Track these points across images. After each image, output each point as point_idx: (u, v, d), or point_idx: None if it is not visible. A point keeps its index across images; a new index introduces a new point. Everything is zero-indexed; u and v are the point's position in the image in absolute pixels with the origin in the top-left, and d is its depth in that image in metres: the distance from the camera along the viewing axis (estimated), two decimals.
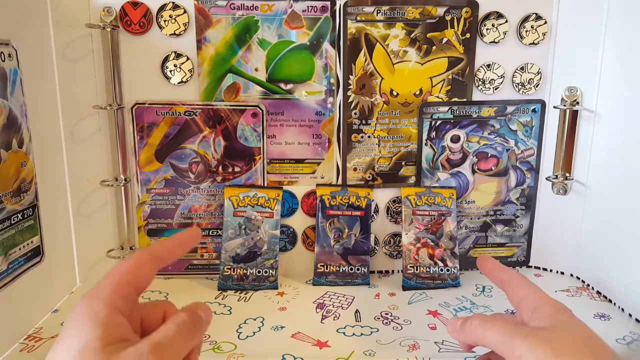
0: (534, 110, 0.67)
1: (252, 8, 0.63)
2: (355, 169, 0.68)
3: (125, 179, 0.64)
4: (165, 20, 0.62)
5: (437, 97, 0.66)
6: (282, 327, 0.55)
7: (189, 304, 0.35)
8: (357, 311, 0.59)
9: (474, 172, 0.69)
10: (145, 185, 0.66)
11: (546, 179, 0.68)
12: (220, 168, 0.66)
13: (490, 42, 0.65)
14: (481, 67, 0.65)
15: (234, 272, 0.65)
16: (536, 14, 0.64)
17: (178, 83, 0.63)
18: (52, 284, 0.60)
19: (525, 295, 0.39)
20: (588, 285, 0.66)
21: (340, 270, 0.66)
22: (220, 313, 0.59)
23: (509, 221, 0.70)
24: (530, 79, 0.66)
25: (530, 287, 0.40)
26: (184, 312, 0.34)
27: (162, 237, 0.67)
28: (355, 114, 0.66)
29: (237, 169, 0.67)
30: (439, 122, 0.67)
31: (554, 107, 0.66)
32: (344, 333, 0.54)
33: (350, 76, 0.65)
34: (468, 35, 0.65)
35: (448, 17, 0.64)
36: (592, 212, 0.65)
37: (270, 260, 0.65)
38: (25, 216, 0.54)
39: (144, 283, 0.35)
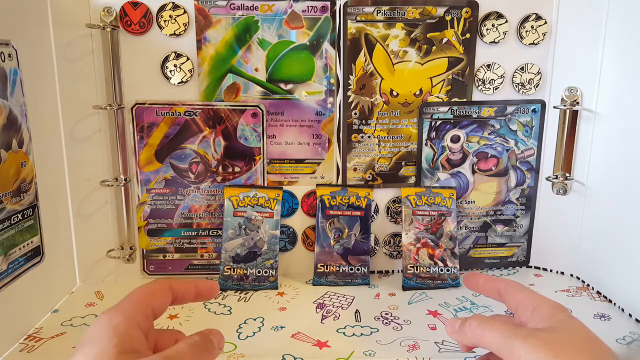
0: (534, 111, 0.67)
1: (252, 8, 0.62)
2: (355, 169, 0.68)
3: (125, 179, 0.64)
4: (165, 21, 0.62)
5: (437, 97, 0.66)
6: (282, 327, 0.56)
7: (203, 329, 0.38)
8: (357, 311, 0.59)
9: (474, 172, 0.69)
10: (145, 185, 0.66)
11: (546, 179, 0.68)
12: (220, 168, 0.66)
13: (490, 42, 0.65)
14: (481, 67, 0.65)
15: (234, 272, 0.65)
16: (536, 14, 0.64)
17: (178, 83, 0.64)
18: (52, 284, 0.60)
19: (523, 297, 0.40)
20: (588, 285, 0.66)
21: (340, 270, 0.66)
22: (220, 313, 0.59)
23: (509, 221, 0.70)
24: (530, 79, 0.66)
25: (528, 290, 0.41)
26: (197, 335, 0.36)
27: (162, 237, 0.67)
28: (355, 114, 0.66)
29: (237, 169, 0.67)
30: (439, 122, 0.67)
31: (554, 107, 0.66)
32: (344, 333, 0.54)
33: (350, 76, 0.65)
34: (468, 35, 0.65)
35: (448, 17, 0.64)
36: (592, 212, 0.65)
37: (270, 260, 0.65)
38: (25, 216, 0.54)
39: (160, 309, 0.37)
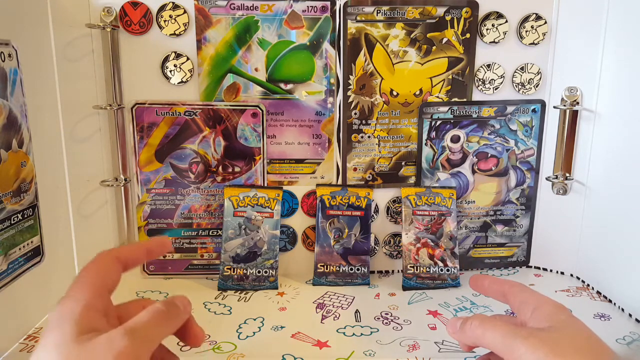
0: (534, 110, 0.67)
1: (252, 8, 0.63)
2: (355, 169, 0.68)
3: (125, 179, 0.64)
4: (165, 20, 0.62)
5: (437, 97, 0.66)
6: (282, 327, 0.55)
7: (168, 297, 0.37)
8: (357, 311, 0.59)
9: (474, 172, 0.69)
10: (145, 185, 0.66)
11: (546, 179, 0.68)
12: (220, 168, 0.66)
13: (490, 42, 0.65)
14: (481, 67, 0.65)
15: (234, 272, 0.65)
16: (536, 14, 0.64)
17: (178, 83, 0.64)
18: (52, 284, 0.60)
19: (525, 297, 0.40)
20: (588, 285, 0.66)
21: (340, 270, 0.66)
22: (220, 313, 0.59)
23: (509, 221, 0.70)
24: (530, 79, 0.66)
25: (530, 291, 0.41)
26: (159, 302, 0.36)
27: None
28: (355, 114, 0.66)
29: (237, 169, 0.67)
30: (439, 122, 0.67)
31: (554, 107, 0.66)
32: (344, 333, 0.54)
33: (350, 76, 0.65)
34: (468, 35, 0.65)
35: (448, 17, 0.64)
36: (592, 212, 0.65)
37: (270, 260, 0.65)
38: (25, 216, 0.54)
39: (111, 283, 0.36)
